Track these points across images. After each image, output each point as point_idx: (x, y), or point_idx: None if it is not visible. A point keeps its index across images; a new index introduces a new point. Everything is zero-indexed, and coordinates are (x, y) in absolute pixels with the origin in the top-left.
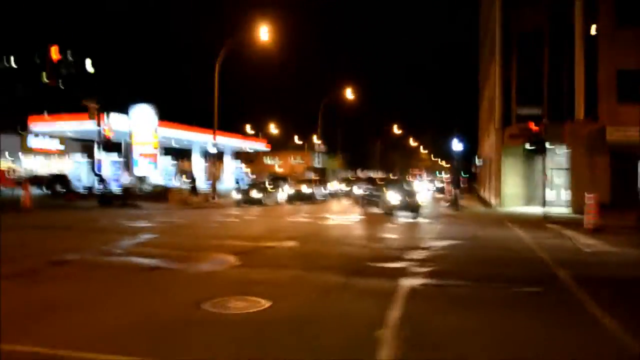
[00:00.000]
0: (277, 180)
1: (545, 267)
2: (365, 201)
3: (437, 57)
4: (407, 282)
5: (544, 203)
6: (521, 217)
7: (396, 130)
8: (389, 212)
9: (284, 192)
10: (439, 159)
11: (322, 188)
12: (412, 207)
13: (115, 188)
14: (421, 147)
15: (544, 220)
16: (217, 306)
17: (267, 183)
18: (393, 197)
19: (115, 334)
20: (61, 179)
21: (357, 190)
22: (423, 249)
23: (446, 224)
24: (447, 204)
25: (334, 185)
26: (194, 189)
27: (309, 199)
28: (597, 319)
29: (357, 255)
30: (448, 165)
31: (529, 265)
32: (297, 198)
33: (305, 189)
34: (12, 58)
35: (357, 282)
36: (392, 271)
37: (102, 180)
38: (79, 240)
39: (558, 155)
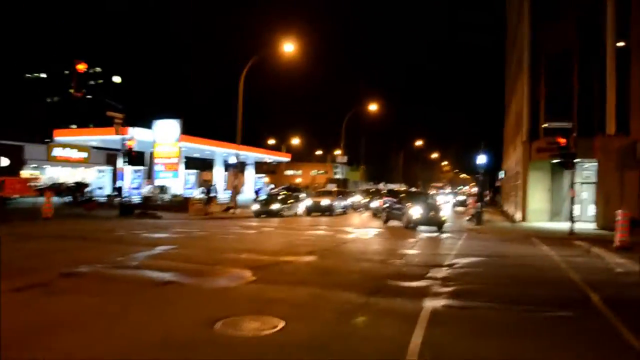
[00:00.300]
0: (293, 191)
1: (575, 289)
2: (386, 214)
3: (462, 71)
4: (429, 303)
5: (572, 218)
6: (547, 232)
7: (419, 143)
8: (411, 226)
9: (303, 203)
10: (462, 172)
11: (343, 200)
12: (435, 222)
13: (135, 197)
14: (444, 161)
15: (571, 237)
16: (230, 326)
17: (282, 194)
18: (415, 210)
19: (117, 355)
20: (82, 187)
21: (378, 203)
22: (446, 266)
23: (469, 239)
24: (470, 218)
25: (354, 198)
26: (208, 200)
27: (329, 211)
28: (634, 347)
29: (378, 272)
30: (470, 178)
31: (558, 286)
32: (317, 210)
33: (324, 201)
34: (41, 71)
35: (377, 302)
36: (413, 290)
37: (118, 190)
38: (95, 251)
39: (585, 170)
